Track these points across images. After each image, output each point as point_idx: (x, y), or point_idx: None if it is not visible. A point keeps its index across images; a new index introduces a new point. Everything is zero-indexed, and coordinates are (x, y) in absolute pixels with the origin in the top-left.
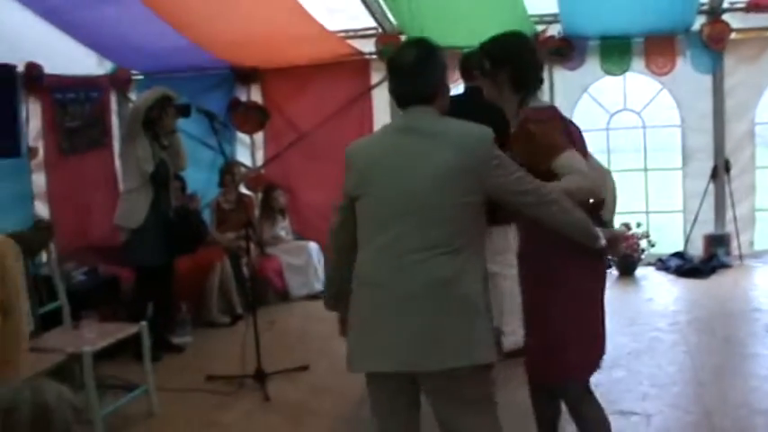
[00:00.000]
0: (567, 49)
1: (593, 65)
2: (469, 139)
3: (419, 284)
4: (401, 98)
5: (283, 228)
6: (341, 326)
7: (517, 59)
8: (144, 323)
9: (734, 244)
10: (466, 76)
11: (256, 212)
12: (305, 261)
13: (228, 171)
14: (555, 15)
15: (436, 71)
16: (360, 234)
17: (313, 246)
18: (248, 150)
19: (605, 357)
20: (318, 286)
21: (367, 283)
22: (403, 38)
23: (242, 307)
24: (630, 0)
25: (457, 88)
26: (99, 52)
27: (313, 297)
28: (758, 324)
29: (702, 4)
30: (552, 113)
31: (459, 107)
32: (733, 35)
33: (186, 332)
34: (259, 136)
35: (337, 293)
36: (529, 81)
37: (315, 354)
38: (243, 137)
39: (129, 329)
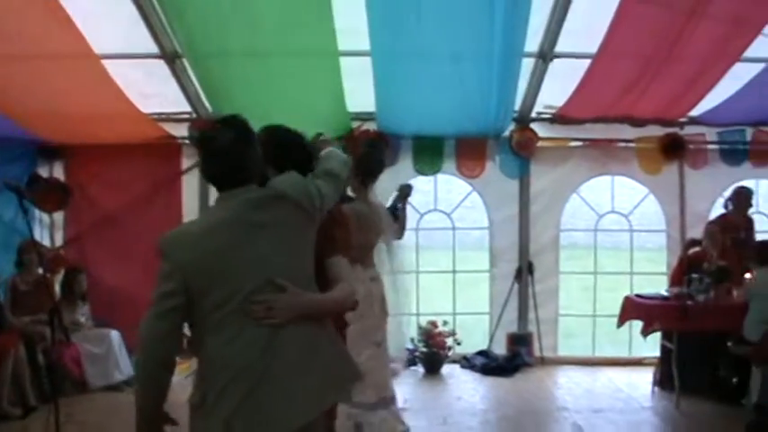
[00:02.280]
0: (382, 143)
1: (405, 164)
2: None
3: None
4: (221, 180)
5: (84, 314)
6: None
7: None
8: None
9: (536, 345)
10: None
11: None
12: (105, 350)
13: (28, 251)
14: (371, 114)
15: (253, 154)
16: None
17: (114, 334)
18: (47, 230)
19: None
20: (119, 377)
21: None
22: None
23: (35, 398)
24: (444, 103)
25: None
26: None
27: (113, 388)
28: (566, 423)
29: (513, 112)
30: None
31: None
32: (540, 143)
33: None
34: (59, 215)
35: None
36: None
37: None
38: (40, 215)
39: None
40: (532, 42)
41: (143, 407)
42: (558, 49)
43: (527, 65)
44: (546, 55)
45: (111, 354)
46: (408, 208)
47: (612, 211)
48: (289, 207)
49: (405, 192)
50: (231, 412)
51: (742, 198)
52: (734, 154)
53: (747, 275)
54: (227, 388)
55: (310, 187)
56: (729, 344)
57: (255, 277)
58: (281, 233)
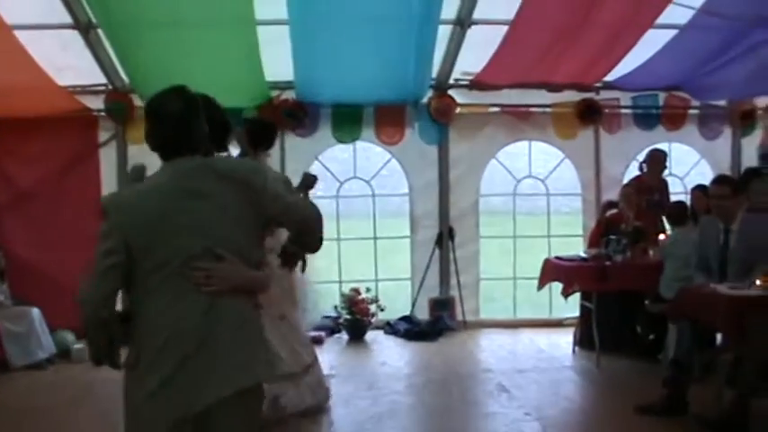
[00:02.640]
0: (301, 113)
1: (324, 133)
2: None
3: None
4: (167, 147)
5: (2, 292)
6: None
7: None
8: None
9: (458, 309)
10: None
11: None
12: (26, 328)
13: None
14: (290, 83)
15: (201, 122)
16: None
17: (35, 311)
18: None
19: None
20: (41, 355)
21: None
22: (134, 96)
23: None
24: (362, 70)
25: None
26: None
27: (35, 366)
28: (491, 384)
29: (431, 79)
30: None
31: None
32: (458, 109)
33: None
34: None
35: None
36: None
37: (46, 429)
38: None
39: None
40: (450, 9)
41: (97, 349)
42: (476, 15)
43: (444, 31)
44: (464, 21)
45: (33, 332)
46: (322, 184)
47: (529, 176)
48: (234, 183)
49: (308, 181)
50: (167, 373)
51: (656, 160)
52: (647, 118)
53: (662, 236)
54: (164, 350)
55: (262, 173)
56: (646, 302)
57: (195, 243)
58: (222, 205)
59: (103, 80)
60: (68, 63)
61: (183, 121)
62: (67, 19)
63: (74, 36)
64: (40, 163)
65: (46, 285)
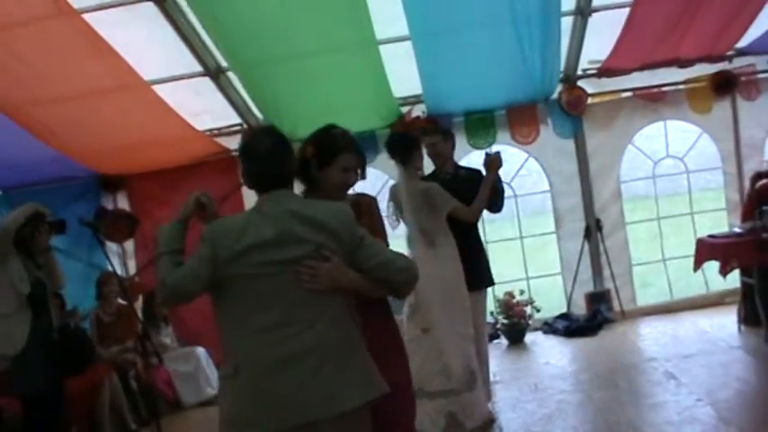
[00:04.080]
0: (433, 126)
1: (460, 141)
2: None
3: None
4: (263, 182)
5: (167, 335)
6: None
7: None
8: None
9: (615, 300)
10: None
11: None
12: (194, 367)
13: (108, 283)
14: (418, 96)
15: (292, 156)
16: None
17: (200, 351)
18: (119, 259)
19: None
20: (211, 391)
21: None
22: None
23: (134, 422)
24: (489, 75)
25: None
26: None
27: (206, 404)
28: (657, 373)
29: (559, 73)
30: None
31: None
32: (590, 100)
33: None
34: (129, 243)
35: None
36: None
37: None
38: (111, 245)
39: None
40: (568, 0)
41: None
42: (595, 2)
43: (566, 23)
44: (584, 10)
45: (200, 370)
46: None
47: (668, 156)
48: (328, 234)
49: (491, 163)
50: (264, 383)
51: None
52: None
53: None
54: (259, 361)
55: (355, 227)
56: None
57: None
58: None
59: (238, 120)
60: (203, 108)
61: (274, 156)
62: (197, 67)
63: (205, 82)
64: None
65: (206, 324)
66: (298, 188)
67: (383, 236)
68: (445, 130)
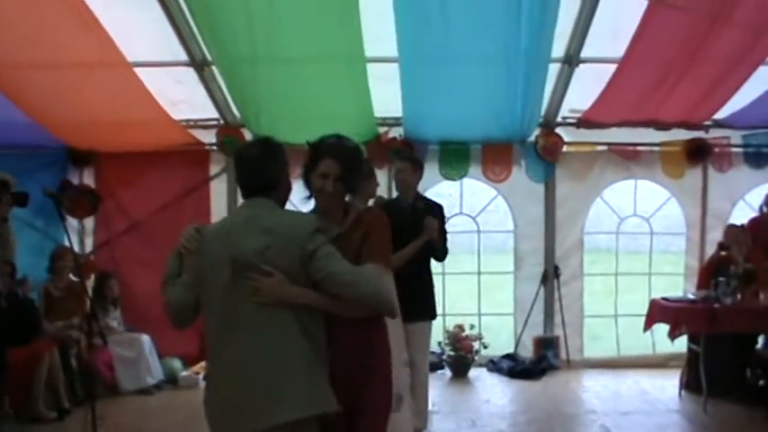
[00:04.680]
0: (408, 151)
1: (432, 169)
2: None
3: None
4: (245, 189)
5: (115, 318)
6: None
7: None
8: None
9: (562, 347)
10: None
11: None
12: (137, 354)
13: (62, 257)
14: (398, 119)
15: (276, 167)
16: None
17: (145, 338)
18: (77, 235)
19: None
20: (150, 381)
21: None
22: (244, 131)
23: (69, 401)
24: (470, 108)
25: None
26: None
27: (144, 392)
28: (595, 426)
29: (539, 117)
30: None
31: None
32: (565, 148)
33: (8, 429)
34: (88, 221)
35: None
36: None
37: None
38: (71, 220)
39: None
40: (558, 47)
41: None
42: (584, 53)
43: (552, 69)
44: (572, 59)
45: (143, 358)
46: None
47: (634, 215)
48: (279, 244)
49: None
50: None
51: None
52: (758, 157)
53: None
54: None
55: (309, 240)
56: (757, 346)
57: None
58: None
59: (215, 115)
60: (182, 97)
61: (257, 165)
62: (183, 56)
63: (188, 72)
64: (154, 194)
65: (156, 314)
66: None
67: (381, 253)
68: (415, 159)
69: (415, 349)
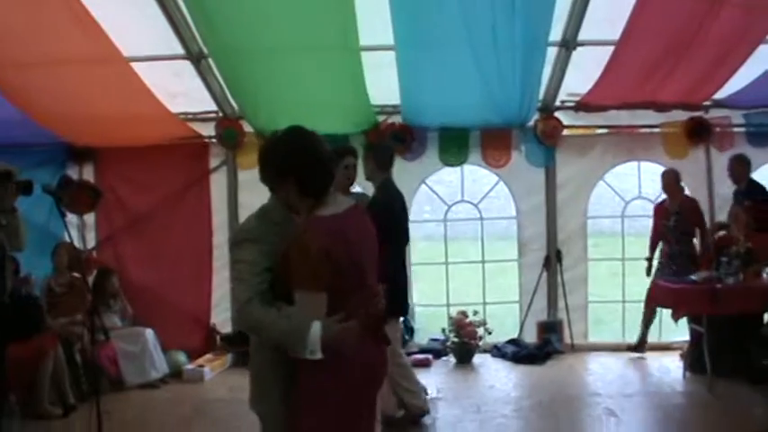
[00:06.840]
0: (407, 136)
1: (431, 156)
2: None
3: None
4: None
5: (116, 312)
6: None
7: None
8: None
9: (566, 332)
10: None
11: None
12: (140, 348)
13: (62, 253)
14: (396, 106)
15: (268, 166)
16: None
17: (149, 332)
18: (77, 231)
19: None
20: (155, 374)
21: None
22: (243, 122)
23: (74, 397)
24: (469, 94)
25: None
26: None
27: (148, 386)
28: (599, 408)
29: (537, 102)
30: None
31: None
32: (565, 131)
33: (14, 426)
34: (89, 217)
35: None
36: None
37: None
38: (71, 216)
39: None
40: (555, 30)
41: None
42: (581, 36)
43: (550, 53)
44: (569, 43)
45: (146, 352)
46: (435, 198)
47: (639, 197)
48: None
49: None
50: None
51: None
52: (760, 136)
53: None
54: None
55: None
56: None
57: None
58: None
59: (214, 107)
60: (180, 90)
61: (260, 164)
62: (179, 50)
63: (185, 65)
64: (155, 188)
65: (159, 307)
66: None
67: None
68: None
69: None
